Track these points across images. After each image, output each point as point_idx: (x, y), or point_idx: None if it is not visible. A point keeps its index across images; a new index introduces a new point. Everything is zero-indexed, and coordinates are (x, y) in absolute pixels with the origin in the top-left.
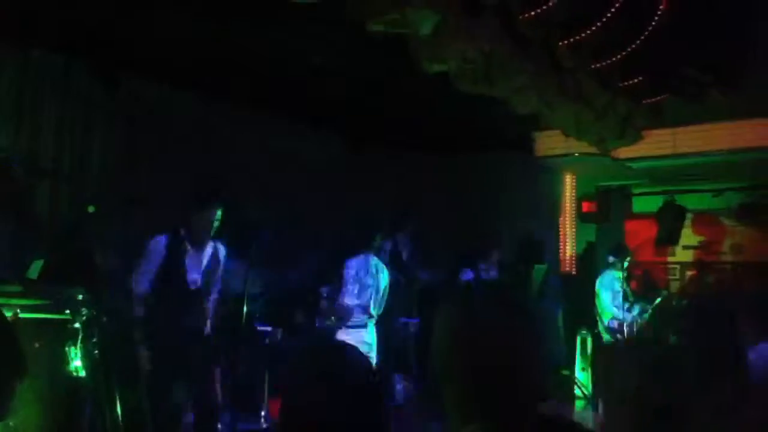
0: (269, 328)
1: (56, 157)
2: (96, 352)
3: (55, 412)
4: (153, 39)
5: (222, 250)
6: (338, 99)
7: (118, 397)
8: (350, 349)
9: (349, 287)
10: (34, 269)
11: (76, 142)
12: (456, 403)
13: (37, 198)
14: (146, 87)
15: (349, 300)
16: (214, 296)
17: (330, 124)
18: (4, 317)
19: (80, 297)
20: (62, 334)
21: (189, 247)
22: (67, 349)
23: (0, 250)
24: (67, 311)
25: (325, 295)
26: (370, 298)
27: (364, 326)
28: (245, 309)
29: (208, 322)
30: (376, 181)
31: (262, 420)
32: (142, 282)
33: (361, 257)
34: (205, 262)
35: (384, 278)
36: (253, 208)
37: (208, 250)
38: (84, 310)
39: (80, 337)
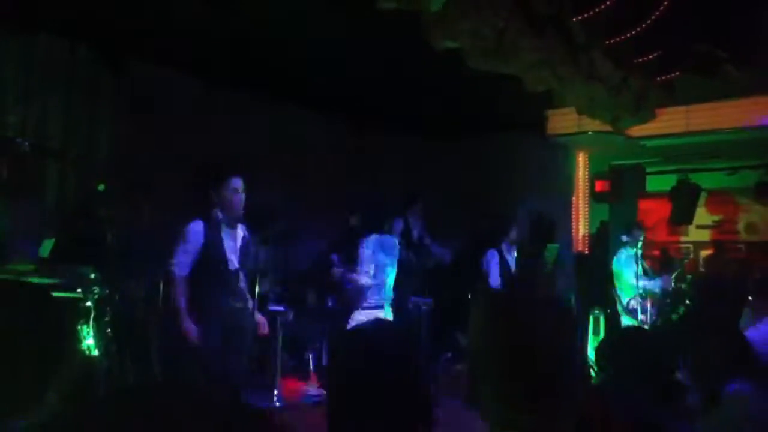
0: (281, 308)
1: (64, 139)
2: (108, 330)
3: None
4: (159, 24)
5: (246, 231)
6: (344, 81)
7: (131, 375)
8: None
9: (365, 267)
10: (45, 248)
11: (83, 125)
12: (496, 396)
13: (47, 177)
14: (153, 71)
15: (365, 280)
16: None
17: (337, 106)
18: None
19: (92, 276)
20: (74, 313)
21: (225, 229)
22: (79, 327)
23: (11, 229)
24: (79, 290)
25: (337, 275)
26: (387, 277)
27: (381, 307)
28: (258, 289)
29: (250, 301)
30: (386, 162)
31: (275, 399)
32: (182, 266)
33: (376, 236)
34: (239, 241)
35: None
36: (262, 191)
37: (240, 230)
38: (96, 289)
39: (92, 315)
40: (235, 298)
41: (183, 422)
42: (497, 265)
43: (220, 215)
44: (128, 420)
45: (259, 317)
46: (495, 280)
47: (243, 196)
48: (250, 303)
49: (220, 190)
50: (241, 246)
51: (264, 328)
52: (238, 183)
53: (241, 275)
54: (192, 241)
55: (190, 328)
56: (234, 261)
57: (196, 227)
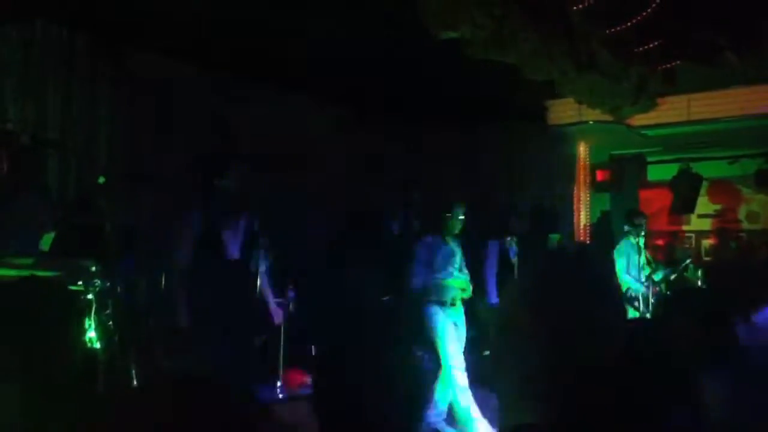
0: (283, 300)
1: (63, 131)
2: (110, 323)
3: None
4: (158, 13)
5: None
6: (346, 70)
7: (133, 368)
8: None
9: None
10: (45, 241)
11: (83, 117)
12: (515, 386)
13: (47, 169)
14: (153, 61)
15: None
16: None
17: (339, 95)
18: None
19: (92, 268)
20: (75, 306)
21: (225, 219)
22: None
23: (11, 221)
24: (80, 282)
25: None
26: None
27: None
28: (258, 281)
29: (254, 293)
30: (386, 153)
31: (278, 390)
32: (183, 256)
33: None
34: (241, 231)
35: None
36: (261, 182)
37: (243, 219)
38: (97, 282)
39: (93, 308)
40: (237, 288)
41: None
42: (495, 255)
43: (220, 204)
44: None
45: (273, 308)
46: (492, 268)
47: (241, 182)
48: (265, 292)
49: (222, 180)
50: (245, 236)
51: (278, 318)
52: (239, 169)
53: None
54: (192, 230)
55: (186, 319)
56: (234, 251)
57: (196, 217)
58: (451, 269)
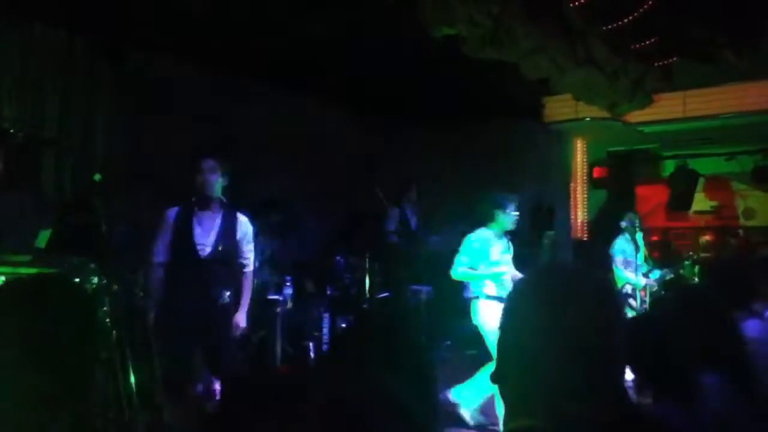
0: (280, 297)
1: (60, 129)
2: (107, 320)
3: None
4: (157, 11)
5: (243, 220)
6: (343, 69)
7: (130, 366)
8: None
9: None
10: (42, 239)
11: (80, 115)
12: (519, 389)
13: (43, 168)
14: (151, 60)
15: None
16: (240, 266)
17: (335, 94)
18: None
19: (89, 266)
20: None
21: (197, 213)
22: None
23: (7, 219)
24: (77, 280)
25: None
26: None
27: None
28: (256, 279)
29: (225, 292)
30: (383, 150)
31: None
32: (158, 253)
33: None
34: (216, 228)
35: None
36: (263, 180)
37: (220, 216)
38: (94, 279)
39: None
40: (204, 286)
41: None
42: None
43: (193, 199)
44: None
45: (237, 316)
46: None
47: (212, 177)
48: (227, 294)
49: (194, 174)
50: (220, 232)
51: (237, 330)
52: (207, 164)
53: (239, 266)
54: (165, 226)
55: (151, 316)
56: (206, 247)
57: (170, 212)
58: (500, 264)
